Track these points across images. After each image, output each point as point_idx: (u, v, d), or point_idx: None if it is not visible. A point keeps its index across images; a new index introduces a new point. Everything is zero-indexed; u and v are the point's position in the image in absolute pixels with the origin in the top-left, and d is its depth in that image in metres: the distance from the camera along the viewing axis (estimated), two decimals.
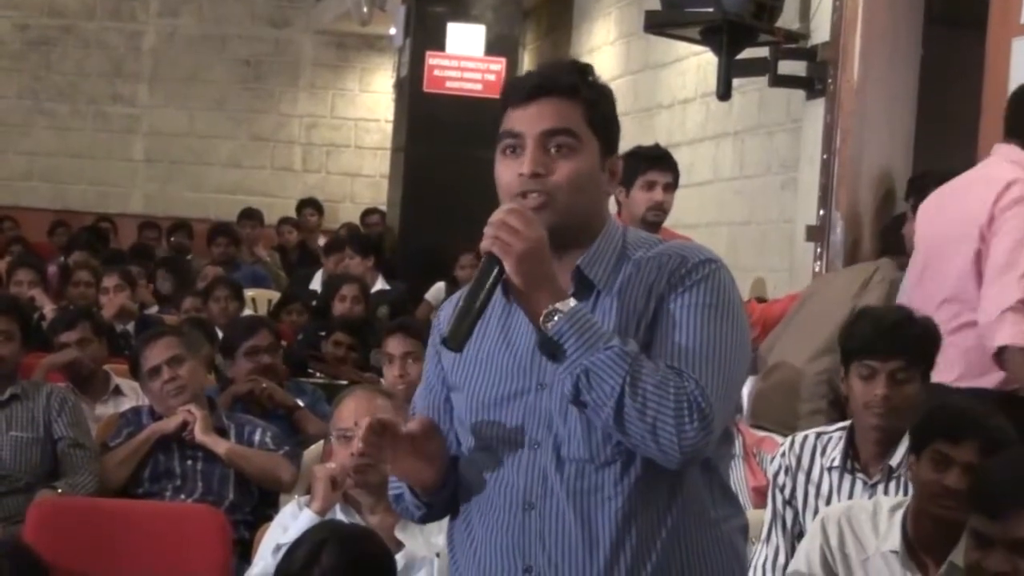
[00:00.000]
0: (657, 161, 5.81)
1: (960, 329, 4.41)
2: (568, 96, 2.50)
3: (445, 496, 2.58)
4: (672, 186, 5.82)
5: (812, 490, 3.96)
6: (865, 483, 3.91)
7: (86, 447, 5.15)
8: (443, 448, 2.55)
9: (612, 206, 5.59)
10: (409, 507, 2.63)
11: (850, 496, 3.90)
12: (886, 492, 3.86)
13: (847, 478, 3.93)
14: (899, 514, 3.55)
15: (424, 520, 2.67)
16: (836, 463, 3.95)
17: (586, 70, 2.55)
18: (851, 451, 3.94)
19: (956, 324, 4.40)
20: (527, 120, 2.49)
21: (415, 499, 2.59)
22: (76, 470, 5.08)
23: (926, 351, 3.94)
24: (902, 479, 3.84)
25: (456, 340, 2.40)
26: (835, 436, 3.99)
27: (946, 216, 4.57)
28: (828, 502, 3.89)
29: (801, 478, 3.97)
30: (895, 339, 3.88)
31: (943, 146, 6.63)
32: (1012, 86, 4.92)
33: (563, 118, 2.49)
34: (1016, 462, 3.22)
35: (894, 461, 3.87)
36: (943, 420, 3.51)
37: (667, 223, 5.95)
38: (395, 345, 5.59)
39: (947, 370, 4.31)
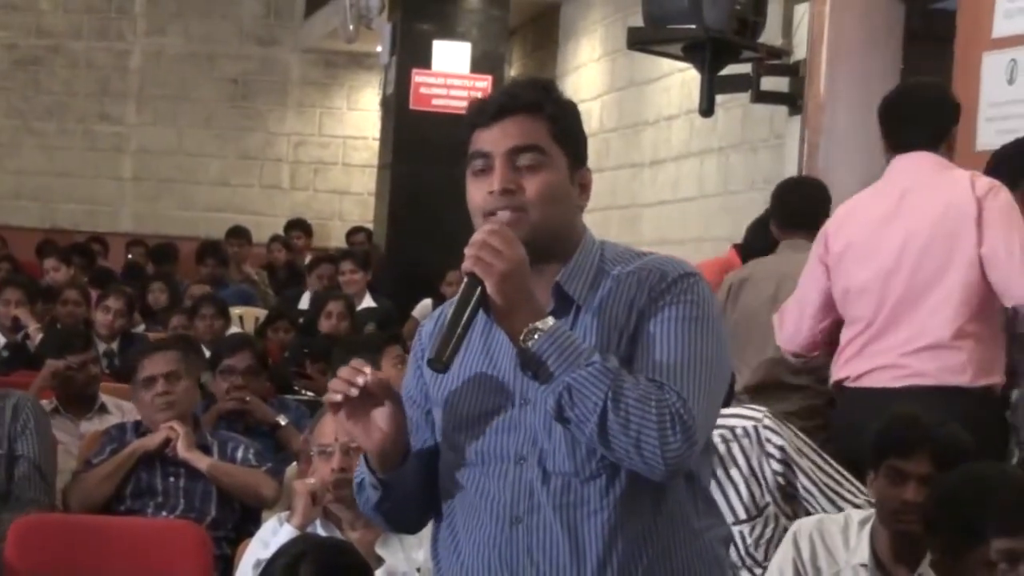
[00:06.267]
0: None
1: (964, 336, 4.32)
2: (532, 113, 2.52)
3: (402, 482, 2.54)
4: None
5: None
6: None
7: (44, 472, 4.99)
8: (401, 414, 2.50)
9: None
10: (368, 490, 2.58)
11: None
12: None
13: None
14: (868, 527, 3.57)
15: (381, 508, 2.60)
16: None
17: (548, 87, 2.58)
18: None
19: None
20: (494, 139, 2.51)
21: (372, 476, 2.54)
22: (26, 496, 4.92)
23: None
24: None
25: (442, 362, 2.39)
26: None
27: (909, 229, 4.36)
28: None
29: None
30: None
31: None
32: (982, 100, 4.92)
33: (529, 135, 2.51)
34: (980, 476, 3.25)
35: None
36: (893, 436, 3.52)
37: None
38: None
39: (960, 373, 4.28)
